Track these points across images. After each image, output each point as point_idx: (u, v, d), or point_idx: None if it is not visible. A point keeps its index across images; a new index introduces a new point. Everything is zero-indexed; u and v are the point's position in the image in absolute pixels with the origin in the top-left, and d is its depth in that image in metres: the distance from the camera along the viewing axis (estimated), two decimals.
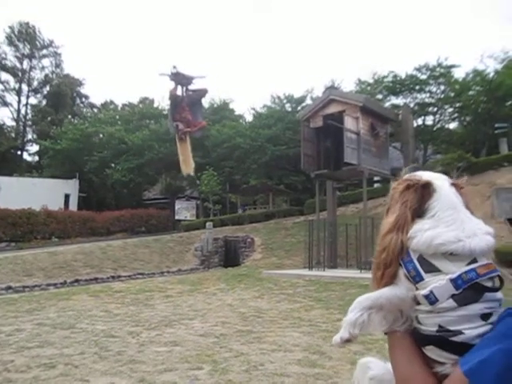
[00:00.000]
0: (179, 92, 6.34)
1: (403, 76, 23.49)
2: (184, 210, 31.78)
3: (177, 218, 30.74)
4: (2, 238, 20.63)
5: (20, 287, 12.39)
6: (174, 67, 6.16)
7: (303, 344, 5.33)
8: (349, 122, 13.91)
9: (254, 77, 78.38)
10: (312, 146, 14.92)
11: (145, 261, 18.37)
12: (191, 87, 6.45)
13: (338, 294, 9.68)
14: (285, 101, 29.57)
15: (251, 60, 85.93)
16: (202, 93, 6.45)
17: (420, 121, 24.32)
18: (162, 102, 35.70)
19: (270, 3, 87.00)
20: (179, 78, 6.27)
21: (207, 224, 20.82)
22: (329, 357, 4.77)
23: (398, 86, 23.63)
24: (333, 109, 14.71)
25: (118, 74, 73.43)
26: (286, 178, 28.27)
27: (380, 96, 23.82)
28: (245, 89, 77.04)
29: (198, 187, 28.28)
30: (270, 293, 10.04)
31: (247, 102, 66.78)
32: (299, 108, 26.64)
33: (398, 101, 24.23)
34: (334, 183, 16.38)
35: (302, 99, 28.69)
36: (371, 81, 24.81)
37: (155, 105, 36.59)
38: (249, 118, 34.07)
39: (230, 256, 20.09)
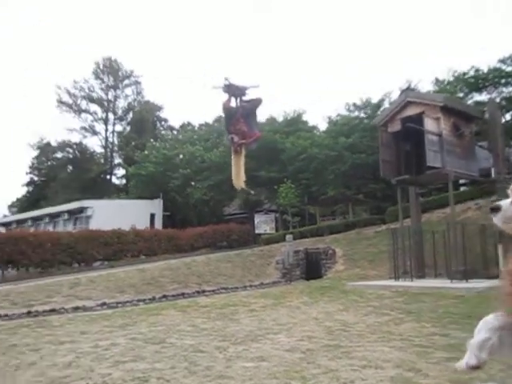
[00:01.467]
0: (233, 103, 6.15)
1: (485, 70, 22.03)
2: (263, 224, 32.00)
3: (257, 231, 31.01)
4: (96, 256, 22.03)
5: (113, 303, 13.09)
6: (226, 79, 5.99)
7: (395, 360, 5.04)
8: (429, 124, 13.25)
9: (325, 85, 77.83)
10: (391, 151, 14.38)
11: (228, 275, 18.68)
12: (245, 98, 6.25)
13: (428, 305, 9.12)
14: (361, 107, 28.92)
15: (321, 67, 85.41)
16: (257, 103, 6.15)
17: (508, 116, 22.61)
18: None
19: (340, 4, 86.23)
20: (232, 90, 6.06)
21: (287, 237, 20.77)
22: (425, 374, 4.45)
23: (481, 81, 22.18)
24: (411, 111, 14.10)
25: (192, 96, 76.24)
26: (364, 187, 27.51)
27: (461, 94, 22.51)
28: (316, 98, 76.50)
29: (276, 200, 28.37)
30: (356, 305, 9.70)
31: (320, 112, 66.35)
32: (377, 113, 25.92)
33: (482, 97, 22.75)
34: (417, 189, 15.63)
35: (379, 104, 27.88)
36: (450, 79, 23.56)
37: None
38: (323, 127, 33.78)
39: (311, 268, 19.84)
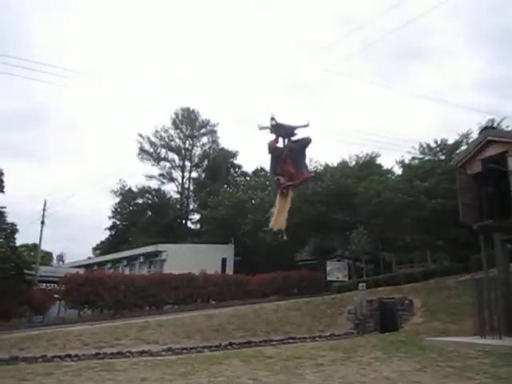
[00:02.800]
0: (280, 144, 5.83)
1: None
2: (335, 271, 30.93)
3: (328, 279, 29.99)
4: (167, 300, 22.24)
5: (179, 349, 12.92)
6: (273, 118, 5.69)
7: None
8: None
9: (398, 127, 76.03)
10: (471, 194, 13.31)
11: (296, 324, 17.93)
12: (294, 138, 5.92)
13: None
14: (437, 149, 27.66)
15: (394, 109, 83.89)
16: (306, 142, 5.78)
17: None
18: (309, 165, 36.39)
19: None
20: (279, 129, 5.75)
21: (360, 285, 19.74)
22: None
23: None
24: (492, 151, 13.07)
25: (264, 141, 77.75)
26: (444, 233, 25.77)
27: None
28: (389, 141, 74.82)
29: (349, 246, 27.40)
30: (434, 365, 8.68)
31: (394, 155, 64.47)
32: (454, 155, 24.59)
33: None
34: (503, 235, 14.22)
35: (456, 145, 26.50)
36: None
37: None
38: (398, 171, 32.64)
39: (386, 320, 18.52)
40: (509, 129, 22.55)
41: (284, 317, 18.81)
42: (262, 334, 15.96)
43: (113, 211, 53.10)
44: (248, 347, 13.81)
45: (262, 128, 5.83)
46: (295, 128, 5.81)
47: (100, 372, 9.14)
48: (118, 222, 54.03)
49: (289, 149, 5.71)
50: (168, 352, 12.48)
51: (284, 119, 5.83)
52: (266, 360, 10.25)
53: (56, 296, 20.55)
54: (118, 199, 52.69)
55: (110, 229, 54.49)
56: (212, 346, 13.64)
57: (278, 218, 5.61)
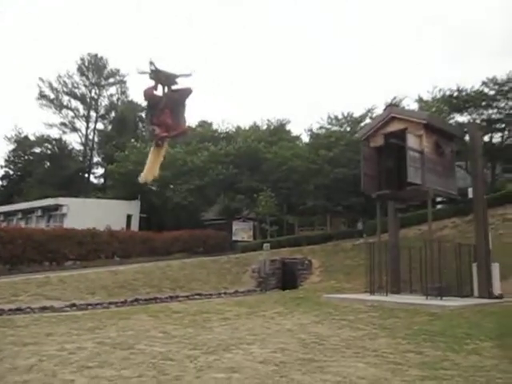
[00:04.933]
0: (160, 92, 5.60)
1: (468, 91, 22.49)
2: (241, 231, 31.87)
3: (234, 238, 30.87)
4: (69, 256, 21.48)
5: (83, 305, 12.72)
6: (152, 63, 5.40)
7: (369, 377, 4.93)
8: (411, 141, 13.33)
9: (308, 95, 78.38)
10: (373, 165, 14.42)
11: (202, 281, 18.42)
12: (175, 87, 5.69)
13: (403, 321, 9.09)
14: (343, 121, 29.11)
15: (306, 77, 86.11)
16: (186, 93, 5.55)
17: (487, 138, 23.07)
18: (222, 126, 36.43)
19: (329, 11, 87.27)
20: (160, 76, 5.50)
21: (264, 245, 20.63)
22: None
23: (462, 102, 22.62)
24: (394, 127, 14.19)
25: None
26: (344, 200, 27.60)
27: (443, 114, 22.88)
28: (300, 109, 77.05)
29: (256, 208, 28.27)
30: (331, 318, 9.61)
31: (303, 123, 66.72)
32: (358, 128, 26.10)
33: (463, 118, 23.19)
34: (396, 204, 15.71)
35: (361, 118, 28.11)
36: (435, 97, 23.90)
37: (214, 127, 37.36)
38: (306, 139, 33.91)
39: (287, 278, 19.73)
40: (408, 107, 24.38)
41: (190, 274, 19.20)
42: (169, 291, 16.21)
43: (6, 160, 49.12)
44: (154, 303, 13.99)
45: (140, 72, 5.51)
46: (177, 76, 5.48)
47: None
48: (11, 172, 50.07)
49: (168, 98, 5.44)
50: (72, 308, 12.24)
51: (167, 66, 5.48)
52: (173, 315, 10.52)
53: None
54: (12, 147, 48.72)
55: (2, 178, 50.46)
56: (118, 301, 13.60)
57: (149, 170, 5.46)
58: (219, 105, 75.35)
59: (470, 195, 14.74)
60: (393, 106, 20.04)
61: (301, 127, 78.83)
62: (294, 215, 30.76)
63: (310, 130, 31.24)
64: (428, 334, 7.58)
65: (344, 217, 29.84)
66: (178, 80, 5.49)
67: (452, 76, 61.87)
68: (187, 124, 5.75)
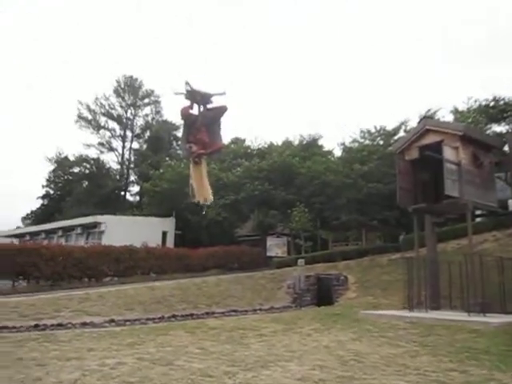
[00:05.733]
0: (195, 111, 5.71)
1: (506, 100, 21.93)
2: (275, 247, 31.79)
3: (268, 254, 30.82)
4: (107, 272, 21.94)
5: (122, 321, 12.93)
6: (187, 83, 5.54)
7: None
8: (448, 153, 13.06)
9: (341, 110, 78.08)
10: (408, 179, 14.19)
11: (238, 297, 18.43)
12: (210, 106, 5.80)
13: (445, 339, 8.80)
14: (376, 134, 28.87)
15: (339, 91, 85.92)
16: (221, 111, 5.66)
17: None
18: (255, 142, 36.80)
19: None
20: (195, 96, 5.63)
21: (299, 261, 20.52)
22: None
23: (499, 112, 22.05)
24: (429, 139, 13.96)
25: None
26: (379, 214, 27.23)
27: (480, 125, 22.36)
28: (333, 123, 76.77)
29: (289, 224, 28.23)
30: (369, 335, 9.42)
31: (336, 138, 66.31)
32: (392, 141, 25.82)
33: (501, 128, 22.60)
34: (433, 218, 15.36)
35: (394, 131, 27.81)
36: (471, 107, 23.41)
37: (247, 144, 37.79)
38: (338, 153, 33.78)
39: (322, 294, 19.49)
40: (443, 119, 23.96)
41: (225, 290, 19.25)
42: (204, 307, 16.30)
43: (47, 180, 51.06)
44: (191, 319, 14.08)
45: (177, 93, 5.66)
46: (211, 95, 5.63)
47: (44, 343, 9.01)
48: (51, 192, 51.90)
49: (203, 117, 5.55)
50: (111, 323, 12.45)
51: (201, 86, 5.67)
52: (210, 331, 10.55)
53: None
54: (52, 167, 50.58)
55: (43, 198, 52.29)
56: (155, 317, 13.75)
57: (200, 189, 5.50)
58: (249, 120, 76.11)
59: (511, 207, 14.27)
60: (427, 118, 19.74)
61: (332, 142, 78.53)
62: (328, 230, 30.49)
63: (343, 144, 31.16)
64: (471, 351, 7.33)
65: (379, 231, 29.32)
66: (212, 99, 5.67)
67: (488, 84, 60.32)
68: (223, 141, 5.88)
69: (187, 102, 5.64)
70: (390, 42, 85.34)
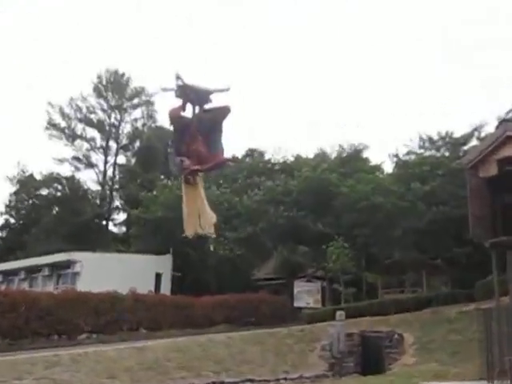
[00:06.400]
0: (189, 113, 5.45)
1: None
2: (305, 295, 31.53)
3: (296, 304, 30.60)
4: (83, 327, 22.02)
5: None
6: (179, 77, 5.29)
7: None
8: None
9: (391, 114, 78.02)
10: (484, 202, 14.08)
11: (255, 363, 18.31)
12: (208, 106, 5.50)
13: None
14: (440, 143, 28.80)
15: (387, 92, 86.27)
16: (223, 112, 5.39)
17: None
18: (277, 155, 37.02)
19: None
20: (188, 93, 5.37)
21: (337, 314, 20.35)
22: None
23: None
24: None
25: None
26: (445, 250, 26.88)
27: None
28: (379, 130, 76.79)
29: (324, 263, 28.09)
30: None
31: (384, 147, 65.82)
32: (461, 152, 25.73)
33: None
34: None
35: (465, 140, 27.71)
36: None
37: (266, 157, 38.02)
38: (389, 167, 33.75)
39: (369, 359, 19.29)
40: None
41: (238, 353, 19.14)
42: (211, 375, 16.22)
43: (7, 205, 51.43)
44: None
45: (164, 90, 5.45)
46: (210, 92, 5.33)
47: None
48: (12, 220, 52.47)
49: (200, 120, 5.34)
50: None
51: (198, 80, 5.49)
52: None
53: None
54: (14, 188, 51.05)
55: (2, 228, 52.84)
56: None
57: (191, 218, 5.27)
58: (264, 127, 76.74)
59: None
60: (509, 121, 19.61)
61: (379, 153, 78.31)
62: (376, 272, 30.24)
63: (396, 156, 31.16)
64: None
65: (445, 274, 28.96)
66: (211, 97, 5.48)
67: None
68: (225, 152, 5.66)
69: (179, 101, 5.46)
70: (388, 42, 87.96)
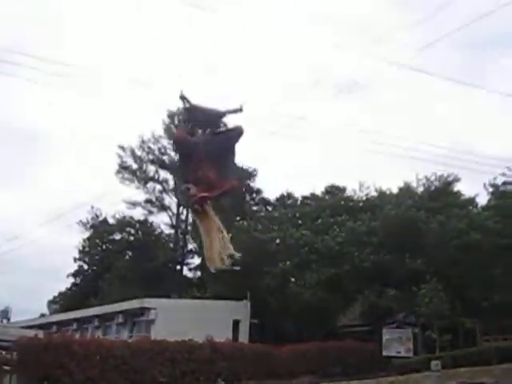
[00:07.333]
0: (197, 137, 5.21)
1: None
2: (396, 342, 30.68)
3: (385, 353, 29.86)
4: (158, 378, 22.08)
5: None
6: (184, 97, 5.08)
7: None
8: None
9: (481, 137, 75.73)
10: None
11: None
12: (219, 128, 5.27)
13: None
14: None
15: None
16: (235, 134, 5.09)
17: None
18: (359, 192, 36.70)
19: None
20: (196, 114, 5.17)
21: (433, 363, 19.82)
22: None
23: None
24: None
25: (295, 158, 78.35)
26: None
27: None
28: (468, 157, 74.49)
29: (416, 308, 27.35)
30: None
31: (475, 177, 63.17)
32: None
33: None
34: None
35: None
36: None
37: (348, 194, 37.72)
38: (483, 200, 32.72)
39: None
40: None
41: None
42: None
43: (80, 250, 52.95)
44: None
45: (171, 113, 5.21)
46: (222, 115, 5.22)
47: None
48: (85, 267, 54.03)
49: (208, 144, 5.08)
50: None
51: (207, 101, 5.31)
52: None
53: (5, 368, 20.52)
54: (87, 234, 52.61)
55: (75, 275, 54.29)
56: None
57: (210, 249, 5.05)
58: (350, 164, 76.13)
59: None
60: None
61: (472, 186, 75.81)
62: (474, 317, 29.16)
63: (493, 186, 30.23)
64: None
65: None
66: (222, 119, 5.33)
67: None
68: (235, 178, 5.41)
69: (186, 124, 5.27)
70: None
